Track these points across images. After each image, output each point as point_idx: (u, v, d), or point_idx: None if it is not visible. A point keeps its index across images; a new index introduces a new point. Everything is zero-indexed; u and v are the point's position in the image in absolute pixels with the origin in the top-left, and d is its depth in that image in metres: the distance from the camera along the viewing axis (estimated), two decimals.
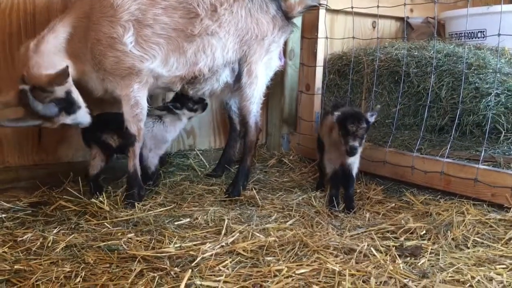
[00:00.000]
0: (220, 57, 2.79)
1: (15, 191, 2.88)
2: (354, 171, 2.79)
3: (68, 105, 2.55)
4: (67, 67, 2.44)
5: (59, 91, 2.51)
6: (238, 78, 2.94)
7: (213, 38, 2.72)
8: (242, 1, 2.80)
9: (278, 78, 3.94)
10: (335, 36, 4.19)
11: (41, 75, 2.44)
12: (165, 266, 1.97)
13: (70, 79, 2.52)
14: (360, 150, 2.66)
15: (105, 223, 2.45)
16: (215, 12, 2.71)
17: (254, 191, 2.98)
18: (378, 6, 3.43)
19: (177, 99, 3.06)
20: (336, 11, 4.13)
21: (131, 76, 2.64)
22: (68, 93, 2.54)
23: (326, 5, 3.73)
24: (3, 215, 2.55)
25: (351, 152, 2.58)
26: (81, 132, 2.94)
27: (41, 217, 2.56)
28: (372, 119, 2.65)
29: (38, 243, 2.20)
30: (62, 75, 2.42)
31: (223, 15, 2.73)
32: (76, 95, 2.61)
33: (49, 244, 2.19)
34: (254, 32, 2.85)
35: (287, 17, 3.00)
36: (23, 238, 2.26)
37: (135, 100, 2.69)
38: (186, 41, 2.68)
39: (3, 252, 2.10)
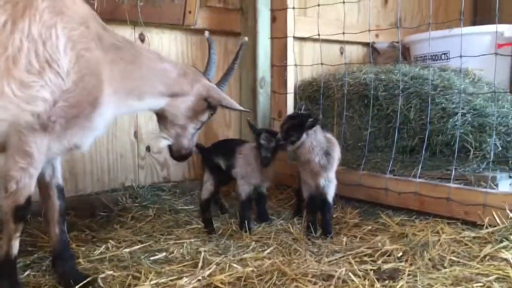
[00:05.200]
0: None
1: None
2: (330, 195, 2.79)
3: None
4: None
5: None
6: None
7: None
8: None
9: (250, 107, 3.98)
10: (304, 62, 4.28)
11: None
12: None
13: None
14: (290, 148, 2.71)
15: (80, 262, 2.38)
16: None
17: (231, 221, 2.95)
18: (344, 33, 3.51)
19: None
20: (304, 39, 4.22)
21: None
22: None
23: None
24: None
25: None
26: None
27: None
28: (312, 123, 2.65)
29: None
30: None
31: None
32: None
33: None
34: None
35: None
36: None
37: None
38: None
39: None
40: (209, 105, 2.53)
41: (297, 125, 2.65)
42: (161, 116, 2.51)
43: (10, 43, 1.80)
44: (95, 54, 2.00)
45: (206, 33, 2.72)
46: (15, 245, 2.00)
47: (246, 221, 2.81)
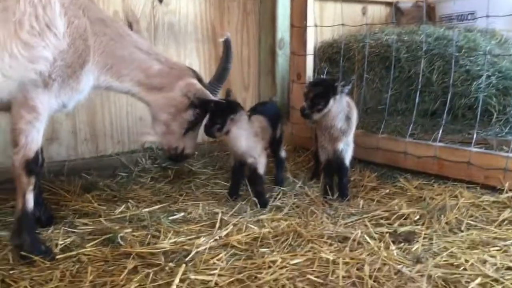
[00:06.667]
0: None
1: (5, 193, 2.76)
2: (347, 159, 2.77)
3: None
4: None
5: None
6: None
7: None
8: None
9: (269, 69, 3.93)
10: (325, 23, 4.17)
11: None
12: (160, 262, 1.97)
13: None
14: (316, 116, 2.59)
15: (101, 220, 2.44)
16: None
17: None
18: None
19: None
20: None
21: None
22: None
23: None
24: None
25: (300, 112, 2.60)
26: None
27: None
28: (343, 89, 2.59)
29: None
30: None
31: None
32: None
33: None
34: None
35: None
36: None
37: None
38: None
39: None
40: (192, 103, 2.50)
41: (323, 92, 2.56)
42: (149, 111, 2.56)
43: (16, 8, 1.95)
44: (83, 21, 2.14)
45: (226, 36, 2.57)
46: (30, 199, 2.10)
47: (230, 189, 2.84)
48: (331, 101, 2.58)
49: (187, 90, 2.49)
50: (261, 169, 2.72)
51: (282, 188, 2.91)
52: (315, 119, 2.65)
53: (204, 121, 2.61)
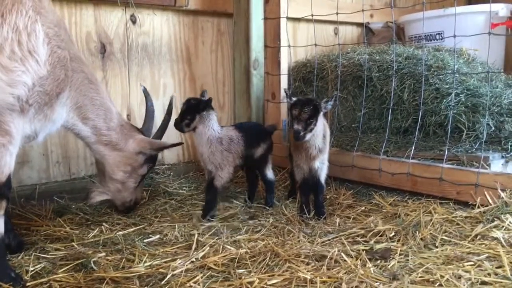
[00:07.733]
0: None
1: None
2: (322, 177, 2.79)
3: None
4: None
5: None
6: None
7: None
8: None
9: (244, 88, 3.95)
10: (298, 43, 4.24)
11: None
12: (135, 286, 1.93)
13: None
14: (308, 136, 2.55)
15: (74, 245, 2.38)
16: None
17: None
18: (337, 13, 3.48)
19: None
20: (298, 19, 4.19)
21: None
22: None
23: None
24: None
25: (295, 136, 2.53)
26: None
27: None
28: (326, 105, 2.60)
29: None
30: None
31: None
32: None
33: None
34: None
35: None
36: None
37: None
38: None
39: None
40: (147, 158, 2.70)
41: (313, 111, 2.51)
42: (101, 170, 2.70)
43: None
44: (65, 53, 2.20)
45: (142, 87, 2.93)
46: (0, 225, 2.04)
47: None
48: (319, 120, 2.60)
49: (141, 147, 2.66)
50: (218, 181, 2.75)
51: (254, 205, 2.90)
52: (307, 140, 2.60)
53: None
